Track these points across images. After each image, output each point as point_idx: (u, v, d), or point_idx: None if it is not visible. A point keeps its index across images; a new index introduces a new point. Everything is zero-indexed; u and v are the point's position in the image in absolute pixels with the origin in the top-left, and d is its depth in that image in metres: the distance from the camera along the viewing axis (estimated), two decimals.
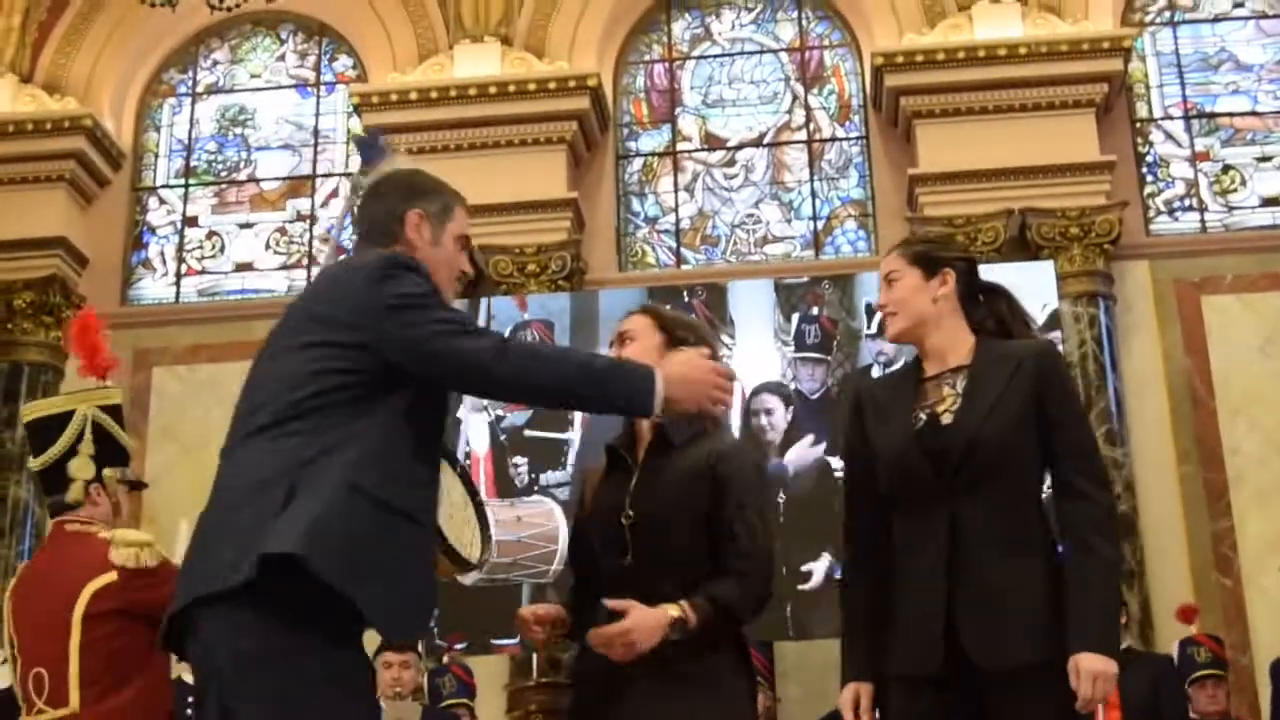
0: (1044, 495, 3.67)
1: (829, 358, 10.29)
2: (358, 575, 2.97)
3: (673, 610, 3.45)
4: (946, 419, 3.68)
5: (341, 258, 3.60)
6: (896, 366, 4.07)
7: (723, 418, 3.76)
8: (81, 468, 4.57)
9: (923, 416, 3.71)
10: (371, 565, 3.01)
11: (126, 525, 4.75)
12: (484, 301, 10.75)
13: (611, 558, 3.64)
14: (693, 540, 3.60)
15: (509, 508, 9.90)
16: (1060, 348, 10.08)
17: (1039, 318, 10.20)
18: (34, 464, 4.63)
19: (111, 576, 4.36)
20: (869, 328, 10.18)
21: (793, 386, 10.21)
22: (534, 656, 9.60)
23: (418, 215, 3.46)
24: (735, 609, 3.55)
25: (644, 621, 3.41)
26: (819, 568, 9.63)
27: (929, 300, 3.76)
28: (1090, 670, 3.40)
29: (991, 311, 3.86)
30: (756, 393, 10.18)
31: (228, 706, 2.96)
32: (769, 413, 10.14)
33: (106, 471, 4.65)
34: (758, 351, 10.35)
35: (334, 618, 2.99)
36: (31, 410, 4.72)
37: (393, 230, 3.44)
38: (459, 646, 9.19)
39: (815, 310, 10.42)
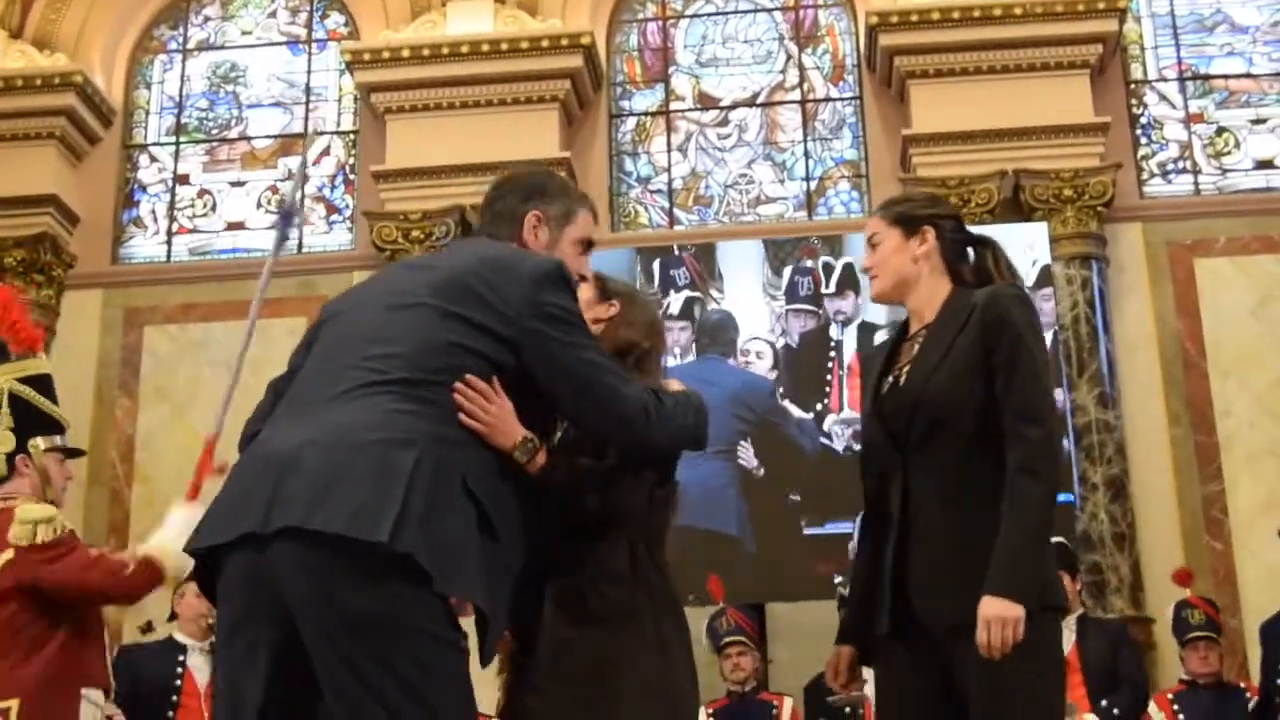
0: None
1: (820, 310, 10.32)
2: (469, 584, 3.01)
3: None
4: (902, 380, 3.67)
5: (483, 242, 3.49)
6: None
7: None
8: (0, 440, 4.56)
9: (889, 380, 3.72)
10: (471, 576, 3.01)
11: (53, 497, 4.71)
12: None
13: None
14: None
15: None
16: (1051, 306, 10.12)
17: (1031, 279, 10.22)
18: None
19: (9, 555, 4.35)
20: (827, 286, 10.25)
21: (781, 341, 10.24)
22: None
23: (536, 217, 3.49)
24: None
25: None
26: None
27: (909, 260, 3.72)
28: (987, 615, 3.30)
29: (978, 265, 3.81)
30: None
31: (337, 659, 2.91)
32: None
33: (33, 442, 4.63)
34: (747, 305, 10.39)
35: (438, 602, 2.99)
36: None
37: (511, 229, 3.48)
38: None
39: (808, 263, 10.45)
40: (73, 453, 4.99)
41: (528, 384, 3.20)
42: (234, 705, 3.03)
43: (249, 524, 2.97)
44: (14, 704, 4.24)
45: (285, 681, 3.01)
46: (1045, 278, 10.23)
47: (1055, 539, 7.81)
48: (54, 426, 4.73)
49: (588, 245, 3.60)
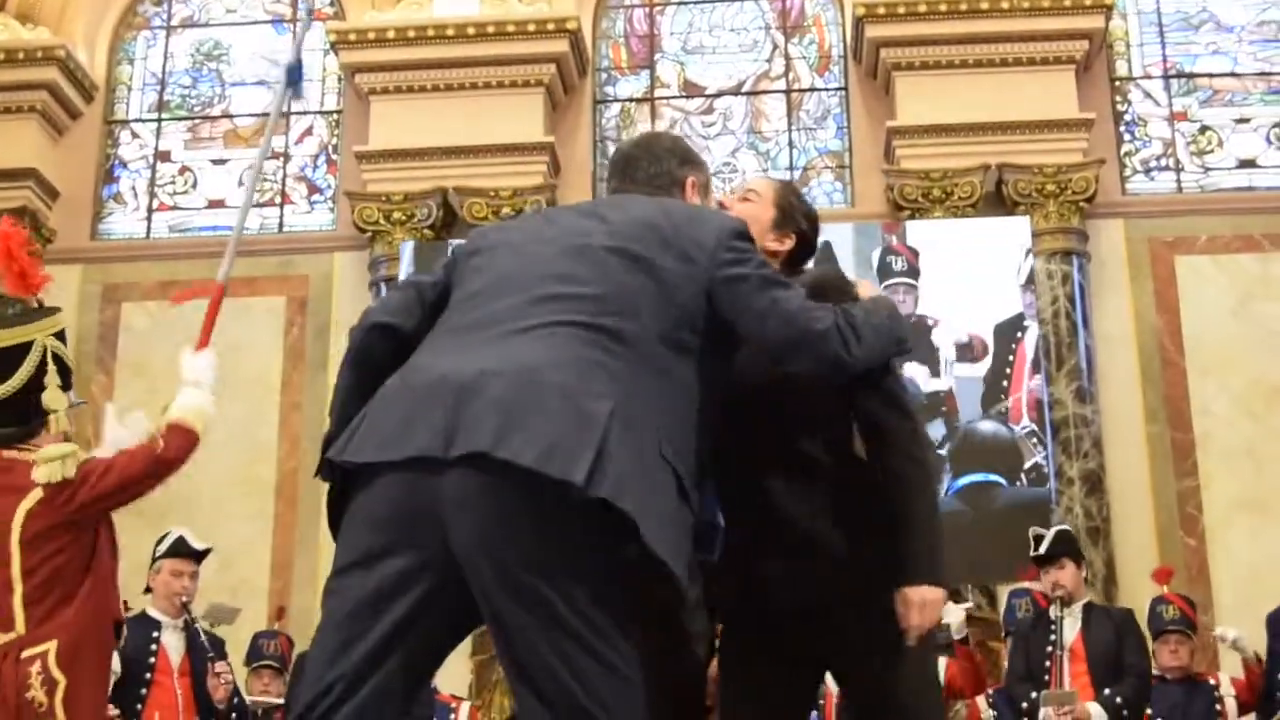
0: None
1: None
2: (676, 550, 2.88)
3: None
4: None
5: (653, 199, 3.36)
6: None
7: None
8: (55, 399, 4.55)
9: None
10: (674, 543, 2.87)
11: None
12: (451, 244, 10.71)
13: None
14: None
15: None
16: (1034, 302, 10.17)
17: (1015, 274, 10.28)
18: None
19: (39, 494, 4.36)
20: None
21: None
22: None
23: (693, 183, 3.48)
24: None
25: None
26: None
27: (765, 243, 3.60)
28: (914, 600, 3.36)
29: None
30: None
31: (509, 595, 2.77)
32: None
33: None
34: None
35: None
36: None
37: (673, 192, 3.44)
38: None
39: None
40: (77, 404, 4.98)
41: (717, 334, 3.11)
42: (357, 632, 2.84)
43: (423, 446, 2.79)
44: (52, 646, 4.25)
45: (422, 626, 2.87)
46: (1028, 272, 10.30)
47: (1060, 526, 7.90)
48: (70, 380, 4.72)
49: None
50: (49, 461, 4.37)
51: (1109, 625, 7.47)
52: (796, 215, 3.72)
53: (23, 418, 4.49)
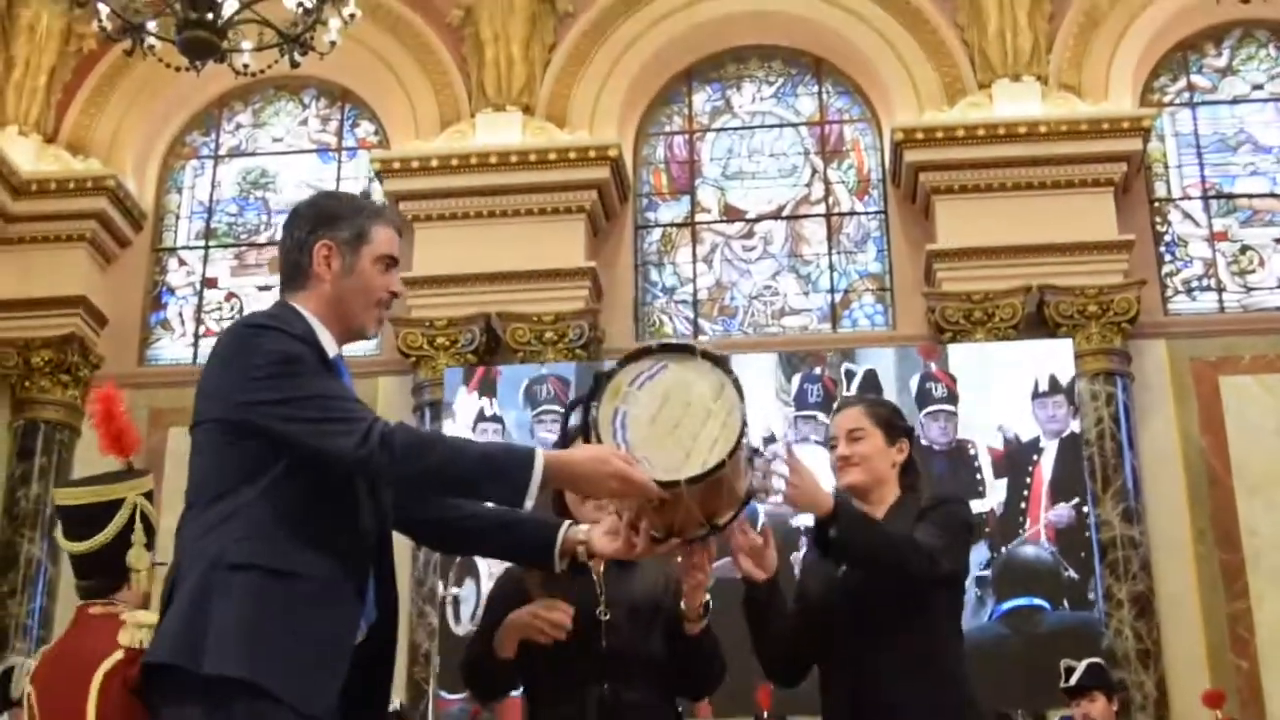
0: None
1: (828, 416, 10.34)
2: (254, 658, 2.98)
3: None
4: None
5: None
6: None
7: None
8: (139, 558, 4.60)
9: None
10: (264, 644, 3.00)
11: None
12: (501, 369, 10.79)
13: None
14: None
15: None
16: (1076, 422, 10.12)
17: (1058, 393, 10.23)
18: (77, 548, 4.62)
19: (119, 656, 4.38)
20: (847, 390, 10.28)
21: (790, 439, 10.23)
22: None
23: (325, 247, 3.27)
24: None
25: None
26: None
27: (889, 465, 3.95)
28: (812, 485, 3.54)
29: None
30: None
31: None
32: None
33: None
34: (760, 411, 10.40)
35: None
36: (74, 496, 4.72)
37: (302, 265, 3.29)
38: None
39: (818, 370, 10.48)
40: (159, 564, 5.04)
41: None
42: None
43: None
44: None
45: None
46: (1069, 391, 10.24)
47: (1091, 659, 7.83)
48: (153, 540, 4.78)
49: (391, 262, 3.35)
50: (139, 627, 4.40)
51: None
52: (896, 421, 4.04)
53: (109, 573, 4.56)
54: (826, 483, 3.64)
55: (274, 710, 2.94)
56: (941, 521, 3.76)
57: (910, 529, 3.74)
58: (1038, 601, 10.03)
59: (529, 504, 3.06)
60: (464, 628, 10.01)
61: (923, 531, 3.70)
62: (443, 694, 10.13)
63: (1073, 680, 7.43)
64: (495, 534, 3.51)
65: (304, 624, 3.03)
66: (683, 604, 3.65)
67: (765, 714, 8.62)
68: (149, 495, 4.71)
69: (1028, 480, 10.18)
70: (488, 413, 10.71)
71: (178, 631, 3.02)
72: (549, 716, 3.69)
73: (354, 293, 3.28)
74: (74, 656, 4.47)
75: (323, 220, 3.30)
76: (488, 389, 10.75)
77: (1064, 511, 10.07)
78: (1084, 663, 7.65)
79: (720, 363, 3.30)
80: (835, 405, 4.20)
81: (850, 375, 10.45)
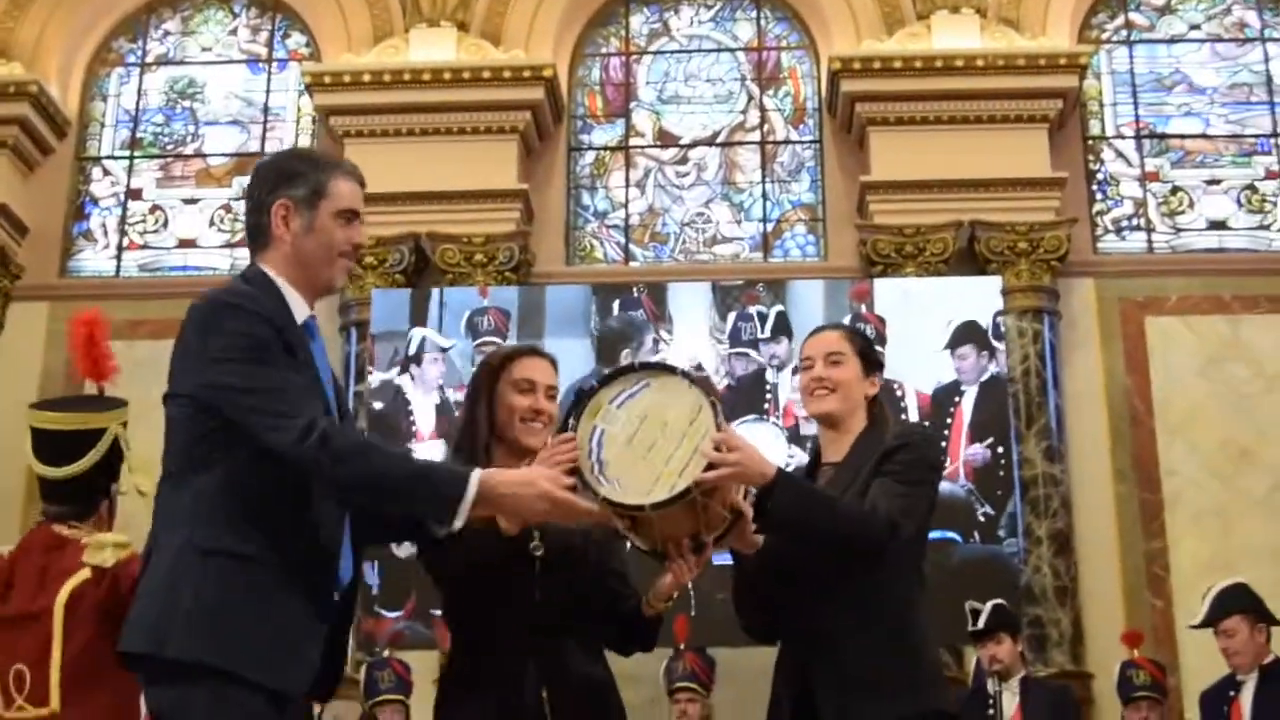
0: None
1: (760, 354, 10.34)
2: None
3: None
4: None
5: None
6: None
7: None
8: (125, 482, 4.66)
9: None
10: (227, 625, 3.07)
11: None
12: (434, 291, 10.67)
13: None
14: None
15: None
16: (1002, 359, 10.14)
17: (986, 331, 10.23)
18: (53, 473, 4.59)
19: (85, 575, 4.41)
20: (763, 331, 10.25)
21: (724, 383, 10.19)
22: None
23: (283, 206, 3.31)
24: None
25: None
26: None
27: (862, 394, 3.93)
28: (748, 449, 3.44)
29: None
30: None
31: None
32: None
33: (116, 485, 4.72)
34: (693, 347, 10.38)
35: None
36: (55, 421, 4.67)
37: (263, 226, 3.34)
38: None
39: (751, 309, 10.44)
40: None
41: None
42: None
43: None
44: None
45: None
46: (993, 335, 10.24)
47: (996, 601, 7.85)
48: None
49: (353, 215, 3.40)
50: (100, 548, 4.41)
51: (1046, 699, 7.49)
52: (871, 354, 4.01)
53: (83, 498, 4.58)
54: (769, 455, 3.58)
55: (237, 692, 3.00)
56: (903, 472, 3.71)
57: (872, 467, 3.72)
58: (950, 535, 10.08)
59: (458, 524, 3.12)
60: (405, 549, 9.94)
61: (883, 488, 3.66)
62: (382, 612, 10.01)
63: (980, 623, 7.50)
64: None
65: (273, 606, 3.08)
66: (650, 594, 3.70)
67: (681, 645, 8.65)
68: (124, 424, 4.75)
69: (949, 420, 10.19)
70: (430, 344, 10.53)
71: (148, 619, 3.07)
72: (482, 679, 3.63)
73: (315, 249, 3.33)
74: (40, 573, 4.49)
75: (280, 179, 3.34)
76: (419, 318, 10.56)
77: (980, 451, 10.10)
78: (989, 604, 7.72)
79: (701, 384, 3.43)
80: (811, 330, 4.08)
81: (763, 317, 10.39)
